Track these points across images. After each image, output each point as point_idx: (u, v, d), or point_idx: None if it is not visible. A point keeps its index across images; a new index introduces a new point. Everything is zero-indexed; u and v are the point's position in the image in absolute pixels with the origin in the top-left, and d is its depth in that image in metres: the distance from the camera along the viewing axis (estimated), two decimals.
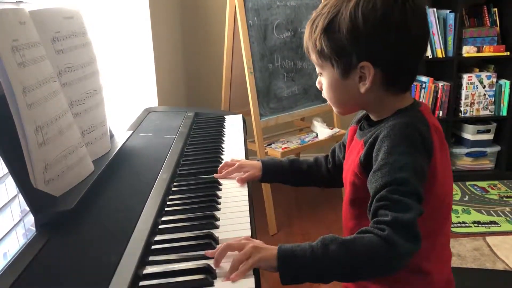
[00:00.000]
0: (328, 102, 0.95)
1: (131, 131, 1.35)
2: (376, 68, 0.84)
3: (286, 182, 1.15)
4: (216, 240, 0.81)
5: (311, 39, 0.89)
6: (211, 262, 0.74)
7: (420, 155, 0.82)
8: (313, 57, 0.91)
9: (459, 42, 2.82)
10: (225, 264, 0.73)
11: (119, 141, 1.18)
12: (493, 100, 2.92)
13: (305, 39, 0.91)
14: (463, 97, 2.90)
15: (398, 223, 0.74)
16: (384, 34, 0.82)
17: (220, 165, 1.12)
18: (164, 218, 0.89)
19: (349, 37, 0.83)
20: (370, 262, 0.74)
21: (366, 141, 0.88)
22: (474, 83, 2.89)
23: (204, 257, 0.75)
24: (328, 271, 0.74)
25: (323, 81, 0.93)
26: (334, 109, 0.97)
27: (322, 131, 2.59)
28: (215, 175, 1.09)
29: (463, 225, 2.44)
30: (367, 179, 0.84)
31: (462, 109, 2.92)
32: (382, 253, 0.73)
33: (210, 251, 0.76)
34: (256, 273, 0.73)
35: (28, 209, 0.83)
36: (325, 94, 0.94)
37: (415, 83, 2.78)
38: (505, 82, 2.88)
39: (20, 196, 0.88)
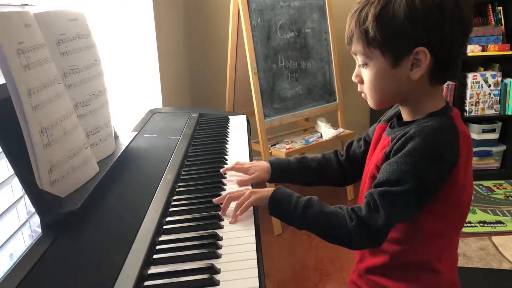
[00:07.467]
0: (366, 94, 0.93)
1: (136, 132, 1.36)
2: (431, 54, 0.84)
3: (294, 182, 1.13)
4: (220, 240, 0.82)
5: (359, 28, 0.86)
6: (215, 262, 0.74)
7: (438, 165, 0.84)
8: (359, 47, 0.88)
9: None
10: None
11: (124, 142, 1.18)
12: (498, 99, 2.90)
13: (350, 29, 0.89)
14: (468, 97, 2.89)
15: (366, 224, 0.85)
16: (441, 19, 0.82)
17: (229, 166, 1.12)
18: (168, 219, 0.89)
19: (407, 22, 0.82)
20: (330, 237, 0.91)
21: (393, 138, 0.89)
22: (479, 82, 2.88)
23: (208, 257, 0.76)
24: (299, 224, 0.92)
25: (367, 73, 0.90)
26: (370, 102, 0.93)
27: (326, 131, 2.59)
28: (221, 170, 1.10)
29: (469, 224, 2.43)
30: None
31: (467, 108, 2.91)
32: (342, 237, 0.88)
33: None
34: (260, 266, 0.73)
35: (34, 210, 0.83)
36: (367, 85, 0.91)
37: None
38: (510, 81, 2.87)
39: (26, 197, 0.89)
